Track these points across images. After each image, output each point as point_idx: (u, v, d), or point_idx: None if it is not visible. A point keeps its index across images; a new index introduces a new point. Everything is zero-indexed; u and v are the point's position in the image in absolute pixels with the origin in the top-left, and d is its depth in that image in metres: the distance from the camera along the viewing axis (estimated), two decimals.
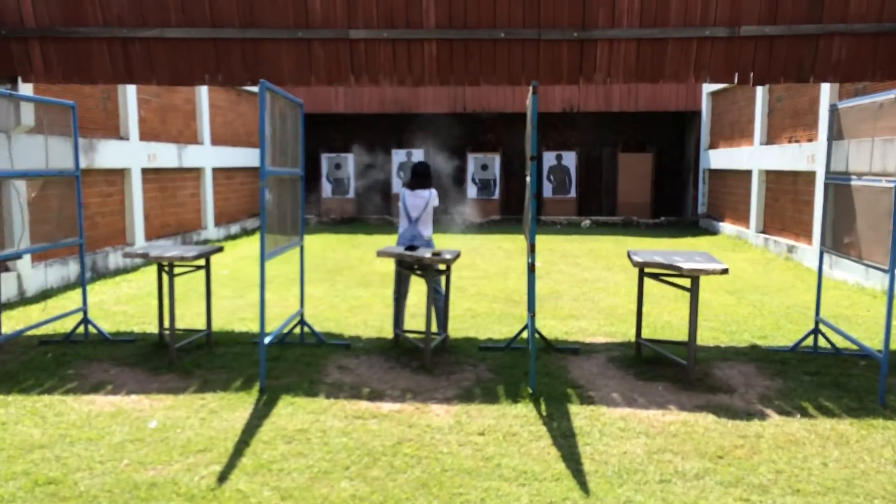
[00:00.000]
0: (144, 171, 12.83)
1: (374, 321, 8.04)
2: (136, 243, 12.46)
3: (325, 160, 20.99)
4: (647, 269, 6.41)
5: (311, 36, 7.81)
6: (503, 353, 6.80)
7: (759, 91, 14.96)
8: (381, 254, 6.51)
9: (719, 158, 17.73)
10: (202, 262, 6.84)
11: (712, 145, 18.68)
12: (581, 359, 6.63)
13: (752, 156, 15.30)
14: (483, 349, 6.90)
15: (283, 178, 6.42)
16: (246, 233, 17.55)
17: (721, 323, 8.05)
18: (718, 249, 14.66)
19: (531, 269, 5.54)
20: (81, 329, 7.19)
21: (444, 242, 15.61)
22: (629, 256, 6.40)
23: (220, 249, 6.95)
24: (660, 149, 20.92)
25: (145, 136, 12.94)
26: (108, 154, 11.52)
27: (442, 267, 6.42)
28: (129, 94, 12.26)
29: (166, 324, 7.53)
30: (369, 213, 21.28)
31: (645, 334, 7.24)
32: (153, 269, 11.48)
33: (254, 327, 7.76)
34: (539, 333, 6.90)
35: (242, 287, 10.04)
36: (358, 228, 18.77)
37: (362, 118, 20.92)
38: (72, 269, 10.43)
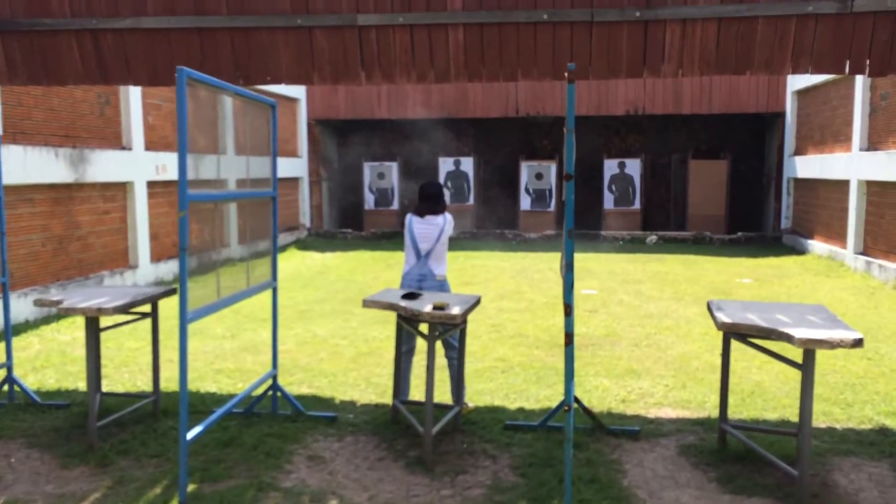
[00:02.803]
0: (151, 184, 11.52)
1: (379, 378, 6.40)
2: (140, 265, 11.15)
3: (368, 169, 19.53)
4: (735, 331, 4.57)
5: (313, 23, 6.30)
6: (535, 434, 5.06)
7: (859, 88, 12.78)
8: (367, 304, 4.86)
9: (808, 166, 15.53)
10: (147, 307, 5.31)
11: (799, 151, 16.46)
12: (642, 447, 4.85)
13: (849, 163, 13.12)
14: (509, 428, 5.18)
15: (242, 202, 4.86)
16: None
17: (830, 388, 6.12)
18: (809, 273, 12.54)
19: (568, 339, 3.80)
20: (6, 388, 5.75)
21: (491, 262, 13.90)
22: (711, 312, 4.59)
23: (173, 292, 5.42)
24: (736, 155, 18.72)
25: (153, 145, 11.64)
26: (104, 166, 10.22)
27: (454, 317, 4.68)
28: (133, 99, 10.97)
29: (106, 386, 6.07)
30: None
31: (730, 404, 5.39)
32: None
33: (229, 385, 6.22)
34: (583, 407, 5.15)
35: (240, 322, 8.54)
36: (400, 244, 17.18)
37: (407, 124, 19.38)
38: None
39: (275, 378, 5.42)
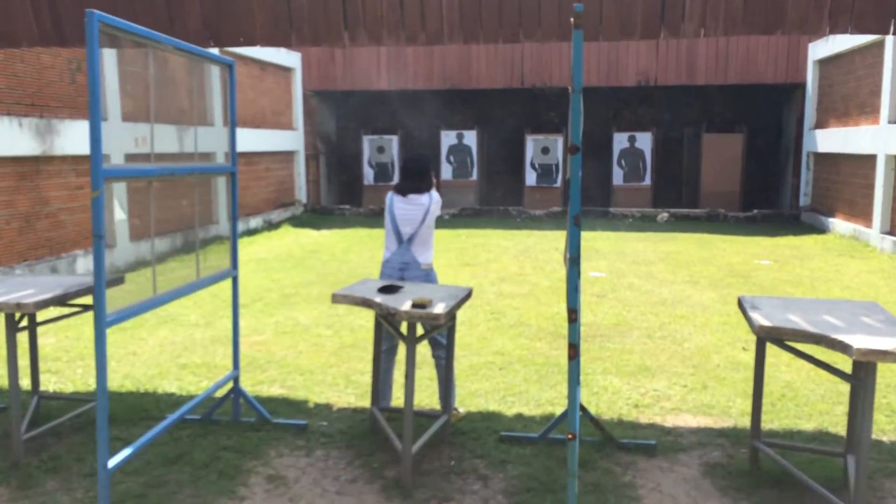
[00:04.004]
0: (130, 157, 10.79)
1: (360, 375, 5.71)
2: (118, 244, 10.46)
3: (367, 143, 18.75)
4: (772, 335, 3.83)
5: None
6: (535, 448, 4.37)
7: (889, 56, 11.91)
8: (337, 299, 4.14)
9: (829, 140, 14.68)
10: (88, 299, 4.62)
11: (820, 124, 15.60)
12: (659, 465, 4.15)
13: (876, 137, 12.29)
14: (505, 440, 4.49)
15: (187, 180, 4.16)
16: (270, 226, 15.48)
17: None
18: (831, 254, 11.77)
19: (572, 352, 3.09)
20: None
21: (493, 240, 13.17)
22: (743, 311, 3.86)
23: (119, 281, 4.71)
24: (752, 128, 17.86)
25: (132, 116, 10.89)
26: (76, 137, 9.51)
27: (436, 317, 3.93)
28: (108, 64, 10.22)
29: (55, 383, 5.40)
30: None
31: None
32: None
33: (192, 384, 5.54)
34: (590, 417, 4.44)
35: (218, 307, 7.85)
36: None
37: (408, 95, 18.55)
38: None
39: (236, 380, 4.73)
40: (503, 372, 5.81)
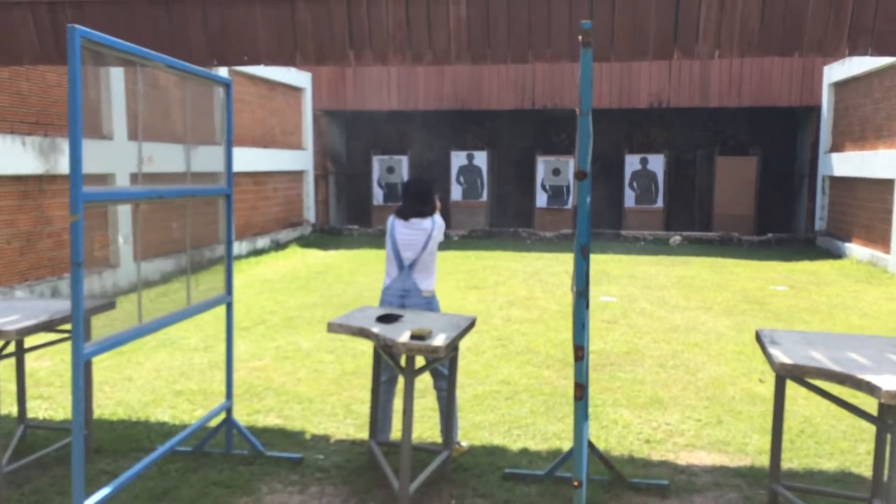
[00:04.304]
0: (136, 177, 10.68)
1: (361, 405, 5.50)
2: (122, 265, 10.34)
3: (377, 163, 18.64)
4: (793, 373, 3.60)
5: None
6: (540, 486, 4.15)
7: None
8: (333, 328, 3.96)
9: (845, 164, 14.43)
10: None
11: (835, 147, 15.35)
12: None
13: (893, 161, 12.04)
14: (509, 477, 4.26)
15: (180, 202, 4.01)
16: (277, 247, 15.35)
17: None
18: (848, 280, 11.49)
19: (579, 392, 2.88)
20: None
21: (503, 262, 12.97)
22: (762, 346, 3.64)
23: (110, 306, 4.55)
24: (766, 151, 17.62)
25: (137, 134, 10.79)
26: None
27: (436, 350, 3.73)
28: (115, 82, 10.15)
29: (45, 410, 5.23)
30: None
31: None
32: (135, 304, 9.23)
33: (186, 413, 5.35)
34: (598, 455, 4.22)
35: (220, 331, 7.65)
36: None
37: (418, 116, 18.46)
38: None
39: (229, 411, 4.53)
40: (509, 402, 5.60)
